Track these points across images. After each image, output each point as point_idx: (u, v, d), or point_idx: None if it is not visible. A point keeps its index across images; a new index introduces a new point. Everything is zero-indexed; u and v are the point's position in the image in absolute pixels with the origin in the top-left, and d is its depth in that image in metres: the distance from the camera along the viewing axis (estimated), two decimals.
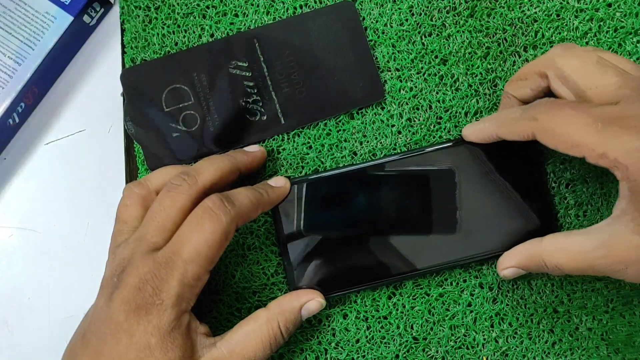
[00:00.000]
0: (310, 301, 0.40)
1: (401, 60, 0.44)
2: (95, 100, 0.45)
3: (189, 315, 0.36)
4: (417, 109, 0.44)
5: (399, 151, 0.43)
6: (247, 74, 0.43)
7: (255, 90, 0.43)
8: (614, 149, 0.32)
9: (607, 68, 0.35)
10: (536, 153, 0.42)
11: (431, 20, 0.44)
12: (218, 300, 0.43)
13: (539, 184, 0.41)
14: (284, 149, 0.44)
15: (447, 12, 0.44)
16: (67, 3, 0.43)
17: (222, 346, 0.36)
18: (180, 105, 0.43)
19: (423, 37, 0.44)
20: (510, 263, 0.39)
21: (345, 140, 0.44)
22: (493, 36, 0.44)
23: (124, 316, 0.34)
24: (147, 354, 0.34)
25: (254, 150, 0.42)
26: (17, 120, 0.44)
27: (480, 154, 0.41)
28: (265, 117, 0.43)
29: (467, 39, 0.44)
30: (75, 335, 0.36)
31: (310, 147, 0.44)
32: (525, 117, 0.36)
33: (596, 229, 0.35)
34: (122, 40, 0.45)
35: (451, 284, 0.43)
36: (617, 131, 0.33)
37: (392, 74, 0.44)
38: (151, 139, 0.43)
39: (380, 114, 0.44)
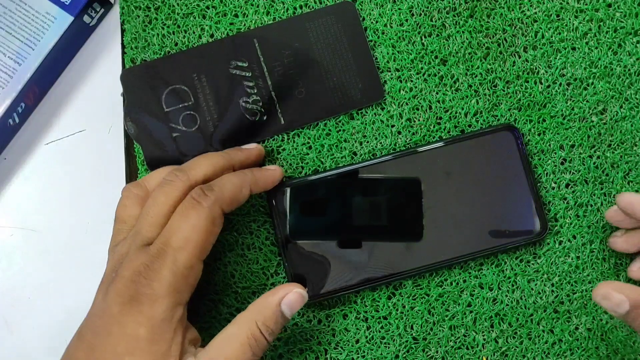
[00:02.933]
0: (288, 294, 0.37)
1: (401, 60, 0.44)
2: (95, 100, 0.45)
3: (183, 311, 0.36)
4: (417, 109, 0.44)
5: (398, 151, 0.43)
6: (247, 74, 0.43)
7: (255, 91, 0.43)
8: None
9: None
10: (524, 154, 0.42)
11: (431, 20, 0.44)
12: (217, 300, 0.43)
13: (529, 182, 0.42)
14: (283, 149, 0.44)
15: (447, 13, 0.44)
16: (67, 3, 0.43)
17: (201, 357, 0.35)
18: (180, 106, 0.43)
19: (423, 37, 0.44)
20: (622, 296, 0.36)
21: (345, 141, 0.44)
22: (493, 37, 0.44)
23: (118, 308, 0.34)
24: (134, 346, 0.34)
25: (250, 147, 0.42)
26: (17, 120, 0.44)
27: (470, 153, 0.42)
28: (265, 117, 0.43)
29: (467, 39, 0.44)
30: (75, 333, 0.36)
31: (310, 147, 0.44)
32: None
33: None
34: (122, 40, 0.45)
35: (451, 284, 0.43)
36: None
37: (392, 74, 0.44)
38: (151, 139, 0.43)
39: (380, 115, 0.44)
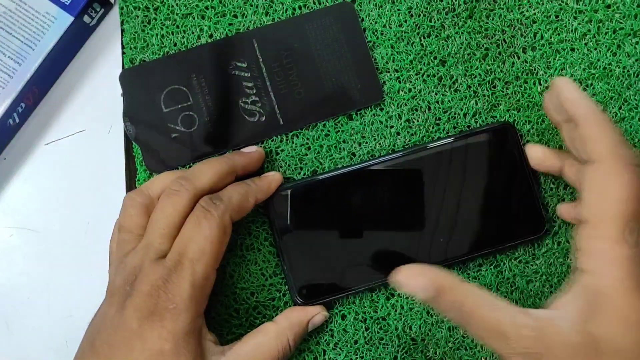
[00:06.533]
0: (317, 315, 0.41)
1: (400, 61, 0.44)
2: (95, 100, 0.46)
3: (202, 320, 0.36)
4: (416, 110, 0.44)
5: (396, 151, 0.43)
6: (246, 74, 0.43)
7: (254, 91, 0.43)
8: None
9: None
10: (521, 153, 0.42)
11: (430, 21, 0.44)
12: (216, 301, 0.43)
13: (528, 181, 0.42)
14: (282, 150, 0.44)
15: (446, 14, 0.44)
16: (67, 3, 0.43)
17: (230, 356, 0.37)
18: (179, 106, 0.43)
19: (422, 38, 0.44)
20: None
21: (344, 142, 0.44)
22: (492, 37, 0.44)
23: (138, 323, 0.34)
24: None
25: (251, 151, 0.42)
26: (17, 120, 0.44)
27: (469, 152, 0.42)
28: (263, 118, 0.43)
29: (466, 40, 0.44)
30: (83, 344, 0.36)
31: (309, 148, 0.44)
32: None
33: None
34: (122, 40, 0.45)
35: None
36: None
37: (390, 75, 0.44)
38: (150, 139, 0.43)
39: (379, 115, 0.44)
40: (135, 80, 0.43)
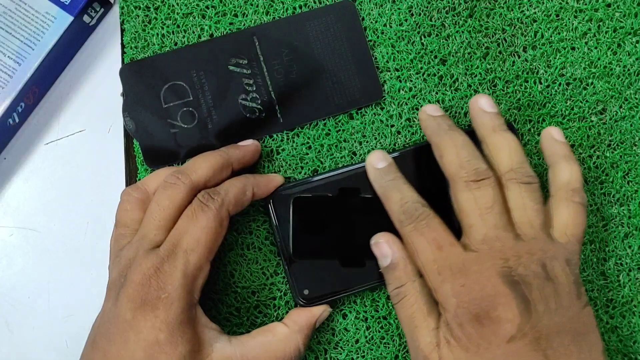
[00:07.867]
0: (323, 313, 0.41)
1: (400, 60, 0.44)
2: (95, 100, 0.46)
3: (197, 309, 0.36)
4: (417, 109, 0.44)
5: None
6: (246, 71, 0.43)
7: (254, 88, 0.43)
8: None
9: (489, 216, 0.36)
10: None
11: (430, 20, 0.44)
12: (217, 299, 0.43)
13: None
14: (283, 149, 0.44)
15: (447, 13, 0.44)
16: (67, 3, 0.43)
17: (236, 346, 0.36)
18: (179, 102, 0.43)
19: (422, 37, 0.44)
20: None
21: (344, 141, 0.44)
22: (492, 36, 0.44)
23: (131, 314, 0.34)
24: (156, 350, 0.34)
25: (247, 144, 0.42)
26: (17, 120, 0.44)
27: None
28: (263, 115, 0.43)
29: (467, 39, 0.44)
30: (87, 341, 0.37)
31: (310, 147, 0.44)
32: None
33: None
34: (122, 40, 0.45)
35: None
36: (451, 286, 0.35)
37: (391, 74, 0.44)
38: (149, 135, 0.43)
39: (380, 114, 0.44)
40: (136, 76, 0.43)
